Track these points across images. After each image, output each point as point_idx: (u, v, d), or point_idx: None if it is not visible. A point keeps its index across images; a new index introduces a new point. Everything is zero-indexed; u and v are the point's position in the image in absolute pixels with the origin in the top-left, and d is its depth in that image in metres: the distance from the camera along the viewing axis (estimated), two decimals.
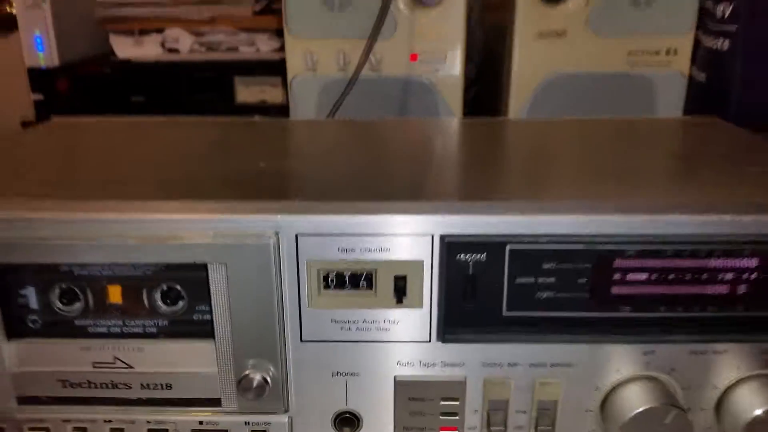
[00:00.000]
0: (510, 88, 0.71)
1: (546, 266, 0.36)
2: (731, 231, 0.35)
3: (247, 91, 0.99)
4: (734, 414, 0.36)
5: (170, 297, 0.38)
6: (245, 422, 0.38)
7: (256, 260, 0.35)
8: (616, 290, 0.36)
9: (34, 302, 0.38)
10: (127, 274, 0.37)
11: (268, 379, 0.37)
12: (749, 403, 0.36)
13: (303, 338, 0.37)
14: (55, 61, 1.03)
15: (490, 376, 0.37)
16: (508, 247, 0.35)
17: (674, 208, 0.35)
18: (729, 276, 0.36)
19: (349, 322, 0.36)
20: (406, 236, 0.35)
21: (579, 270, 0.35)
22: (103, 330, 0.38)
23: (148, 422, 0.38)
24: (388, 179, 0.43)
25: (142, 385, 0.38)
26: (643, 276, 0.36)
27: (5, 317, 0.37)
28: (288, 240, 0.35)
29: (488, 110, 0.81)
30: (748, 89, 0.65)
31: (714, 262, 0.36)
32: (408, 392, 0.37)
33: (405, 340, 0.37)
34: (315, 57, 0.71)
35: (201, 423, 0.38)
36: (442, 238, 0.35)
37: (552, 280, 0.36)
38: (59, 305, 0.38)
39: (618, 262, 0.35)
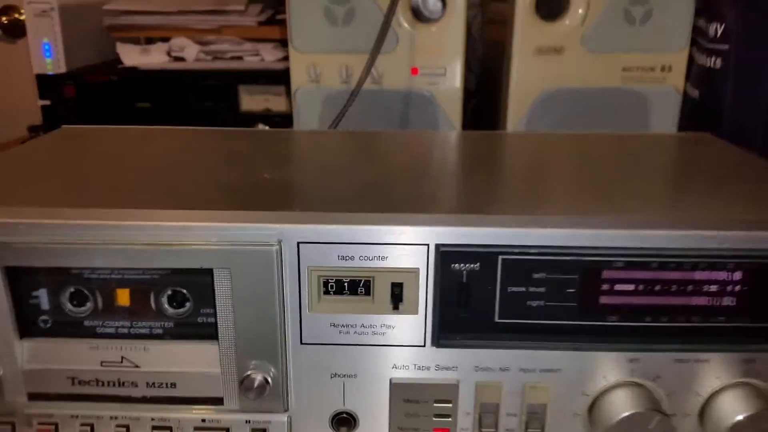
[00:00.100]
0: (508, 102, 0.73)
1: (537, 276, 0.37)
2: (715, 245, 0.36)
3: (251, 100, 1.01)
4: (716, 420, 0.38)
5: (176, 300, 0.39)
6: (246, 421, 0.39)
7: (259, 266, 0.37)
8: (603, 300, 0.37)
9: (45, 303, 0.39)
10: (135, 277, 0.39)
11: (269, 380, 0.38)
12: (730, 410, 0.37)
13: (303, 341, 0.38)
14: (62, 68, 1.04)
15: (482, 379, 0.38)
16: (500, 258, 0.37)
17: (660, 223, 0.37)
18: (713, 288, 0.37)
19: (347, 326, 0.38)
20: (403, 245, 0.37)
21: (568, 280, 0.37)
22: (111, 331, 0.39)
23: (153, 419, 0.39)
24: (387, 190, 0.44)
25: (147, 383, 0.39)
26: (630, 287, 0.37)
27: (18, 317, 0.39)
28: (290, 247, 0.37)
29: (487, 122, 0.83)
30: (740, 107, 0.66)
31: (698, 275, 0.37)
32: (403, 394, 0.39)
33: (401, 344, 0.38)
34: (318, 70, 0.73)
35: (203, 421, 0.39)
36: (438, 247, 0.37)
37: (542, 289, 0.37)
38: (69, 306, 0.39)
39: (606, 273, 0.37)
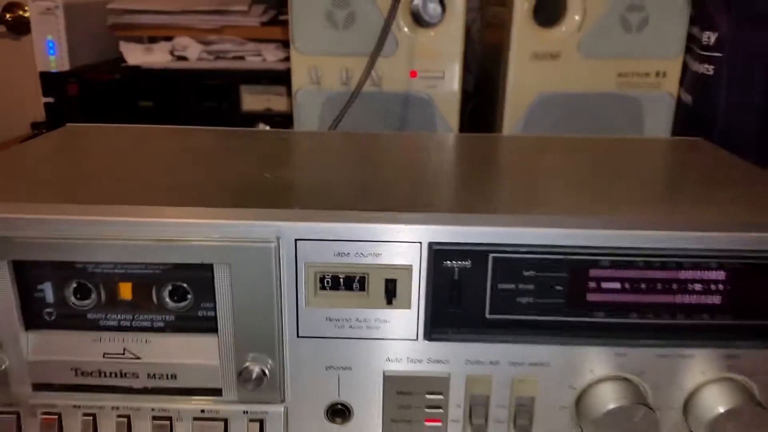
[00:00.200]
0: (505, 106, 0.74)
1: (526, 274, 0.38)
2: (699, 246, 0.38)
3: (252, 99, 1.02)
4: (699, 413, 0.39)
5: (177, 294, 0.40)
6: (244, 411, 0.40)
7: (258, 262, 0.38)
8: (590, 297, 0.39)
9: (50, 296, 0.40)
10: (138, 272, 0.40)
11: (267, 372, 0.39)
12: (713, 404, 0.38)
13: (300, 334, 0.39)
14: (66, 66, 1.05)
15: (473, 373, 0.39)
16: (491, 256, 0.38)
17: (646, 223, 0.38)
18: (697, 287, 0.39)
19: (342, 320, 0.39)
20: (397, 243, 0.38)
21: (556, 278, 0.38)
22: (114, 323, 0.41)
23: (153, 410, 0.40)
24: (383, 190, 0.45)
25: (148, 374, 0.40)
26: (616, 285, 0.38)
27: (24, 310, 0.40)
28: (288, 244, 0.38)
29: (485, 124, 0.84)
30: (731, 113, 0.67)
31: (682, 274, 0.38)
32: (396, 386, 0.40)
33: (394, 338, 0.39)
34: (319, 72, 0.74)
35: (203, 411, 0.40)
36: (430, 245, 0.38)
37: (531, 286, 0.38)
38: (73, 300, 0.40)
39: (593, 272, 0.38)
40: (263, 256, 0.38)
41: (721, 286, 0.38)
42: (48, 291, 0.40)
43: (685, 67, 0.72)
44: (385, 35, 0.69)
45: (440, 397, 0.40)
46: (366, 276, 0.38)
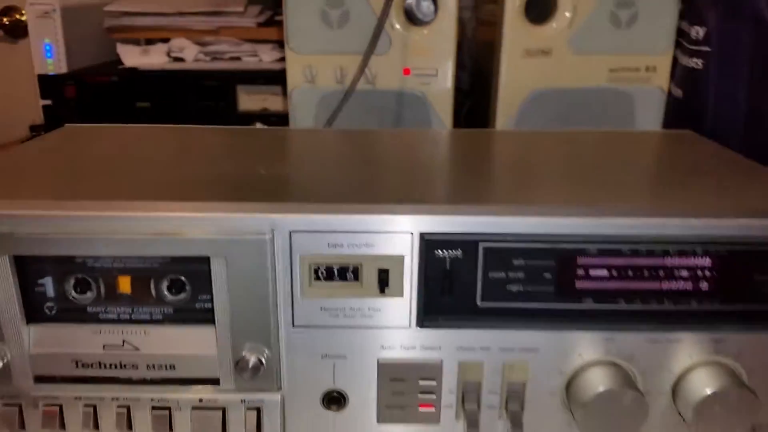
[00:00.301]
0: (497, 103, 0.75)
1: (516, 262, 0.39)
2: (684, 232, 0.39)
3: (249, 100, 1.03)
4: (687, 396, 0.39)
5: (175, 287, 0.41)
6: (241, 400, 0.41)
7: (253, 254, 0.39)
8: (579, 284, 0.39)
9: (51, 290, 0.41)
10: (136, 266, 0.41)
11: (263, 361, 0.40)
12: (700, 386, 0.39)
13: (295, 324, 0.40)
14: (63, 68, 1.06)
15: (465, 359, 0.40)
16: (481, 245, 0.39)
17: (632, 211, 0.39)
18: (683, 273, 0.39)
19: (337, 310, 0.40)
20: (389, 234, 0.39)
21: (545, 266, 0.39)
22: (113, 316, 0.41)
23: (152, 400, 0.41)
24: (376, 184, 0.46)
25: (147, 365, 0.41)
26: (604, 272, 0.39)
27: (25, 303, 0.41)
28: (282, 236, 0.39)
29: (479, 122, 0.85)
30: (720, 106, 0.68)
31: (669, 261, 0.39)
32: (390, 373, 0.41)
33: (387, 326, 0.40)
34: (314, 71, 0.75)
35: (201, 401, 0.41)
36: (422, 235, 0.39)
37: (521, 275, 0.39)
38: (73, 294, 0.41)
39: (581, 260, 0.39)
40: (258, 248, 0.39)
41: (707, 272, 0.39)
42: (48, 285, 0.41)
43: (675, 61, 0.73)
44: (378, 33, 0.70)
45: (433, 383, 0.41)
46: (359, 266, 0.39)
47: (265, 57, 1.08)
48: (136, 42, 1.13)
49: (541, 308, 0.40)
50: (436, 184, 0.47)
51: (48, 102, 1.06)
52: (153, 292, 0.41)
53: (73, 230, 0.39)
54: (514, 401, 0.41)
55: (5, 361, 0.41)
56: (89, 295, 0.41)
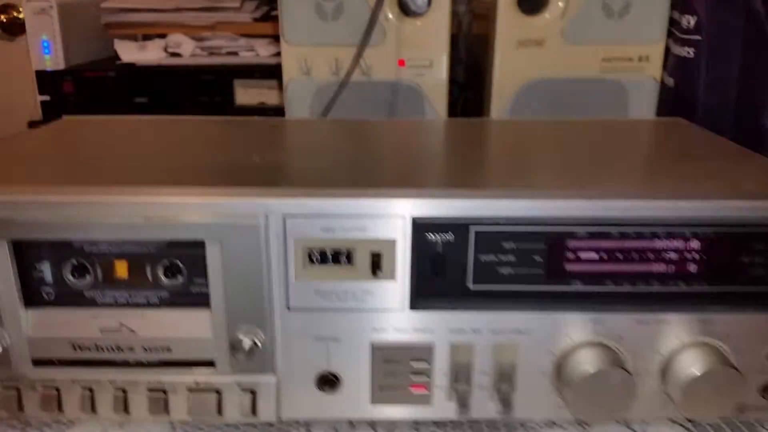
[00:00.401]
0: (492, 93, 0.76)
1: (506, 245, 0.40)
2: (672, 214, 0.39)
3: (246, 94, 1.03)
4: (675, 377, 0.40)
5: (171, 271, 0.42)
6: (236, 382, 0.42)
7: (248, 238, 0.39)
8: (568, 267, 0.40)
9: (49, 275, 0.42)
10: (133, 250, 0.41)
11: (258, 343, 0.41)
12: (688, 367, 0.40)
13: (289, 307, 0.41)
14: (61, 64, 1.07)
15: (456, 341, 0.41)
16: (472, 229, 0.39)
17: (621, 194, 0.40)
18: (671, 255, 0.40)
19: (330, 293, 0.40)
20: (382, 218, 0.39)
21: (535, 249, 0.40)
22: (110, 300, 0.42)
23: (149, 383, 0.42)
24: (369, 170, 0.47)
25: (144, 348, 0.41)
26: (593, 255, 0.40)
27: (24, 288, 0.41)
28: (277, 221, 0.39)
29: (475, 115, 0.86)
30: (711, 94, 0.69)
31: (657, 243, 0.40)
32: (383, 355, 0.41)
33: (380, 309, 0.41)
34: (309, 62, 0.76)
35: (197, 383, 0.42)
36: (414, 220, 0.39)
37: (512, 257, 0.40)
38: (71, 278, 0.42)
39: (570, 243, 0.40)
40: (253, 232, 0.39)
41: (695, 254, 0.40)
42: (46, 270, 0.42)
43: (667, 51, 0.74)
44: (372, 25, 0.71)
45: (425, 364, 0.41)
46: (352, 250, 0.40)
47: (261, 52, 1.09)
48: (133, 38, 1.14)
49: (531, 291, 0.40)
50: (428, 171, 0.48)
51: (46, 98, 1.07)
52: (149, 276, 0.42)
53: (71, 215, 0.39)
54: (504, 382, 0.41)
55: (4, 345, 0.41)
56: (87, 279, 0.42)
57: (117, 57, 1.10)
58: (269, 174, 0.45)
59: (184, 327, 0.41)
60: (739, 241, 0.40)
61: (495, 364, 0.41)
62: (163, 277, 0.42)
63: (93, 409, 0.42)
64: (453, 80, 0.79)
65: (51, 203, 0.39)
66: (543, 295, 0.40)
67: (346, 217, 0.39)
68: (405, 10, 0.74)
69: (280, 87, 0.87)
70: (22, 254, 0.41)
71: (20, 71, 1.19)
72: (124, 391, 0.42)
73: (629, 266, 0.40)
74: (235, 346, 0.41)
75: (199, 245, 0.40)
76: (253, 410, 0.42)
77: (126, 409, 0.42)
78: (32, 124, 1.11)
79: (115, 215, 0.39)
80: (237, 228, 0.39)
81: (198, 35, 1.11)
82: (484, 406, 0.42)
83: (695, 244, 0.40)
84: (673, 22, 0.73)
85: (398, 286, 0.40)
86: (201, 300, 0.41)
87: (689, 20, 0.70)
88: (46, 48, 1.07)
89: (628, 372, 0.39)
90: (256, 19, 1.10)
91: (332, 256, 0.40)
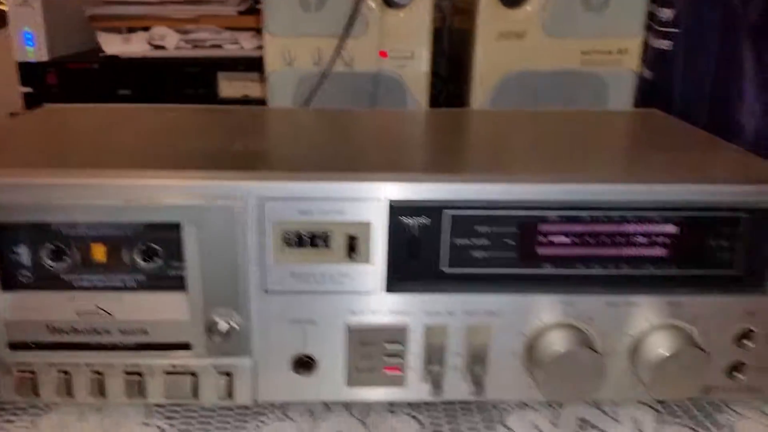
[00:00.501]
0: (472, 85, 0.76)
1: (480, 229, 0.40)
2: (641, 198, 0.40)
3: (230, 87, 1.03)
4: (644, 358, 0.41)
5: (148, 254, 0.42)
6: (213, 365, 0.42)
7: (224, 221, 0.39)
8: (540, 250, 0.41)
9: (26, 259, 0.42)
10: (110, 234, 0.42)
11: (234, 326, 0.41)
12: (656, 348, 0.41)
13: (266, 290, 0.41)
14: (44, 56, 1.06)
15: (430, 323, 0.41)
16: (446, 212, 0.40)
17: (591, 177, 0.40)
18: (640, 239, 0.41)
19: (307, 275, 0.41)
20: (357, 201, 0.40)
21: (508, 233, 0.40)
22: (87, 284, 0.42)
23: (125, 365, 0.42)
24: (347, 155, 0.47)
25: (120, 331, 0.42)
26: (564, 239, 0.41)
27: (0, 271, 0.41)
28: (253, 203, 0.39)
29: (457, 107, 0.86)
30: (687, 86, 0.70)
31: (626, 227, 0.40)
32: (358, 337, 0.41)
33: (356, 291, 0.41)
34: (292, 53, 0.76)
35: (173, 366, 0.42)
36: (389, 203, 0.40)
37: (485, 241, 0.41)
38: (48, 261, 0.42)
39: (542, 227, 0.40)
40: (229, 215, 0.39)
41: (663, 238, 0.41)
42: (23, 253, 0.42)
43: (646, 44, 0.75)
44: (354, 16, 0.71)
45: (400, 346, 0.42)
46: (329, 233, 0.40)
47: (245, 44, 1.09)
48: (117, 30, 1.14)
49: (504, 273, 0.41)
50: (407, 157, 0.48)
51: (29, 89, 1.07)
52: (126, 259, 0.42)
53: (49, 197, 0.39)
54: (477, 363, 0.42)
55: None
56: (64, 262, 0.42)
57: (101, 49, 1.10)
58: (248, 159, 0.46)
59: (160, 310, 0.42)
60: (707, 226, 0.40)
61: (468, 345, 0.42)
62: (139, 261, 0.42)
63: (69, 392, 0.43)
64: (436, 74, 0.80)
65: (29, 185, 0.39)
66: (515, 277, 0.41)
67: (323, 200, 0.40)
68: (387, 1, 0.74)
69: (264, 80, 0.87)
70: (0, 237, 0.41)
71: (2, 63, 1.18)
72: (101, 374, 0.42)
73: (599, 250, 0.41)
74: (211, 329, 0.41)
75: (176, 228, 0.40)
76: (229, 393, 0.42)
77: (102, 392, 0.42)
78: (13, 115, 1.10)
79: (93, 197, 0.39)
80: (214, 210, 0.39)
81: (182, 28, 1.10)
82: (458, 387, 0.43)
83: (664, 227, 0.41)
84: (651, 16, 0.74)
85: (374, 269, 0.41)
86: (177, 283, 0.41)
87: (667, 13, 0.71)
88: (29, 40, 1.07)
89: (598, 352, 0.40)
90: (240, 12, 1.10)
91: (309, 239, 0.40)
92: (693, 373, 0.40)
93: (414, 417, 0.44)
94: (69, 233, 0.42)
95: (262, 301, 0.41)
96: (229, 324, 0.41)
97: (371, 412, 0.44)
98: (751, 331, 0.42)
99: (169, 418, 0.43)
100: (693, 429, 0.43)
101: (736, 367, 0.43)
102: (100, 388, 0.42)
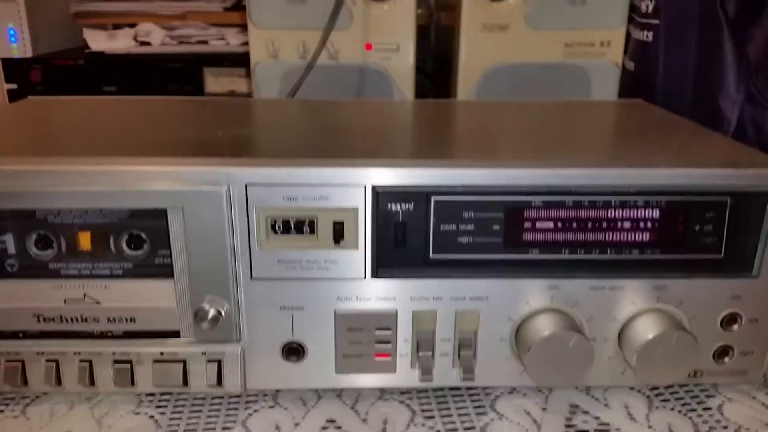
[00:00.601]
0: (458, 78, 0.77)
1: (466, 215, 0.41)
2: (626, 182, 0.40)
3: (216, 82, 1.03)
4: (631, 341, 0.41)
5: (135, 242, 0.42)
6: (202, 352, 0.42)
7: (210, 206, 0.39)
8: (526, 236, 0.41)
9: (12, 248, 0.42)
10: (96, 221, 0.41)
11: (222, 313, 0.41)
12: (642, 331, 0.41)
13: (253, 276, 0.41)
14: (28, 53, 1.06)
15: (418, 308, 0.41)
16: (432, 198, 0.40)
17: (576, 161, 0.41)
18: (625, 224, 0.41)
19: (294, 262, 0.41)
20: (343, 187, 0.40)
21: (494, 218, 0.41)
22: (74, 272, 0.42)
23: (114, 353, 0.42)
24: (333, 143, 0.48)
25: (108, 318, 0.42)
26: (549, 224, 0.41)
27: None
28: (239, 189, 0.39)
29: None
30: (669, 76, 0.71)
31: (612, 211, 0.41)
32: (347, 323, 0.42)
33: (343, 278, 0.41)
34: (277, 45, 0.76)
35: (162, 354, 0.42)
36: (374, 189, 0.40)
37: (471, 227, 0.41)
38: (35, 250, 0.42)
39: (527, 212, 0.41)
40: (215, 200, 0.39)
41: (649, 222, 0.41)
42: (9, 242, 0.42)
43: (628, 36, 0.75)
44: (338, 8, 0.71)
45: (388, 332, 0.42)
46: (315, 219, 0.40)
47: (231, 40, 1.09)
48: (102, 27, 1.13)
49: (491, 259, 0.41)
50: (392, 145, 0.48)
51: (13, 86, 1.06)
52: (113, 247, 0.42)
53: (34, 185, 0.39)
54: (466, 348, 0.42)
55: None
56: (50, 251, 0.42)
57: (86, 46, 1.09)
58: (233, 146, 0.46)
59: (148, 297, 0.42)
60: (692, 210, 0.41)
61: (457, 330, 0.42)
62: (126, 248, 0.42)
63: (59, 381, 0.42)
64: (422, 70, 0.80)
65: (14, 172, 0.39)
66: (502, 263, 0.41)
67: (308, 186, 0.40)
68: None
69: (250, 75, 0.87)
70: None
71: None
72: (90, 363, 0.42)
73: (584, 234, 0.41)
74: (199, 316, 0.41)
75: (162, 216, 0.40)
76: (219, 380, 0.42)
77: (92, 381, 0.42)
78: None
79: (78, 184, 0.39)
80: (198, 195, 0.39)
81: (168, 24, 1.10)
82: (447, 373, 0.43)
83: (649, 212, 0.41)
84: (633, 8, 0.75)
85: (361, 255, 0.41)
86: (165, 271, 0.41)
87: (648, 5, 0.72)
88: (12, 36, 1.06)
89: (584, 335, 0.41)
90: (226, 9, 1.11)
91: (295, 226, 0.40)
92: (680, 356, 0.41)
93: (404, 403, 0.44)
94: (55, 221, 0.41)
95: (250, 287, 0.41)
96: (217, 311, 0.41)
97: (361, 398, 0.44)
98: (738, 314, 0.42)
99: (159, 407, 0.43)
100: (682, 413, 0.43)
101: (724, 351, 0.43)
102: (89, 377, 0.42)
